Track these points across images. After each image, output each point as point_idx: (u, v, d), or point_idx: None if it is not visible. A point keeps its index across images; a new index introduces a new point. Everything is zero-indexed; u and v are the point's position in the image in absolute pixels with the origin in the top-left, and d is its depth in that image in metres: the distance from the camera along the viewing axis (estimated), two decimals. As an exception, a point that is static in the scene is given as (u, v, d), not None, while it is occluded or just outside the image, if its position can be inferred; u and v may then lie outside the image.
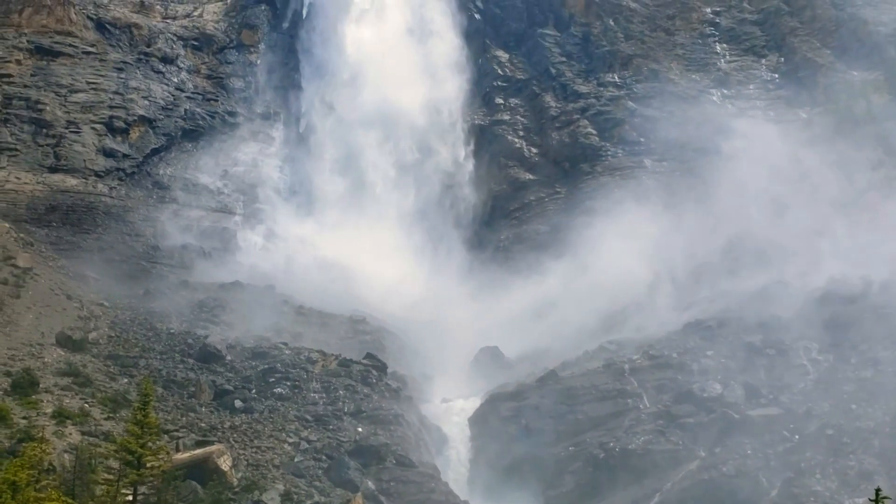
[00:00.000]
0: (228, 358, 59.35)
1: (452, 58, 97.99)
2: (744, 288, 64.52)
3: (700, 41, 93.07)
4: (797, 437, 48.76)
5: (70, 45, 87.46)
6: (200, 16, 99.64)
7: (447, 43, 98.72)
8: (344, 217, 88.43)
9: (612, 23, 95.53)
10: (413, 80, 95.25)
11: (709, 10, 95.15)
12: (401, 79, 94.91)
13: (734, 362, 56.22)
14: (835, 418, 48.86)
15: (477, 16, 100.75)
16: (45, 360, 53.83)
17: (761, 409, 51.61)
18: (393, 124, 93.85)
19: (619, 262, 72.67)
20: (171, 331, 63.16)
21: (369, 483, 48.55)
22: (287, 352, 60.57)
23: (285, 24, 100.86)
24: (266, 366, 58.24)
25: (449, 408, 63.06)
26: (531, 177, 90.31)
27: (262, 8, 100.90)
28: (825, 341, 56.54)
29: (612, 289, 70.36)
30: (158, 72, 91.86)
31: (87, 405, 49.08)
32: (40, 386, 49.72)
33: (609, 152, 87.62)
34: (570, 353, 63.48)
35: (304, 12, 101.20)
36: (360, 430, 52.89)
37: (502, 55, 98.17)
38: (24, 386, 48.97)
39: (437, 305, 75.38)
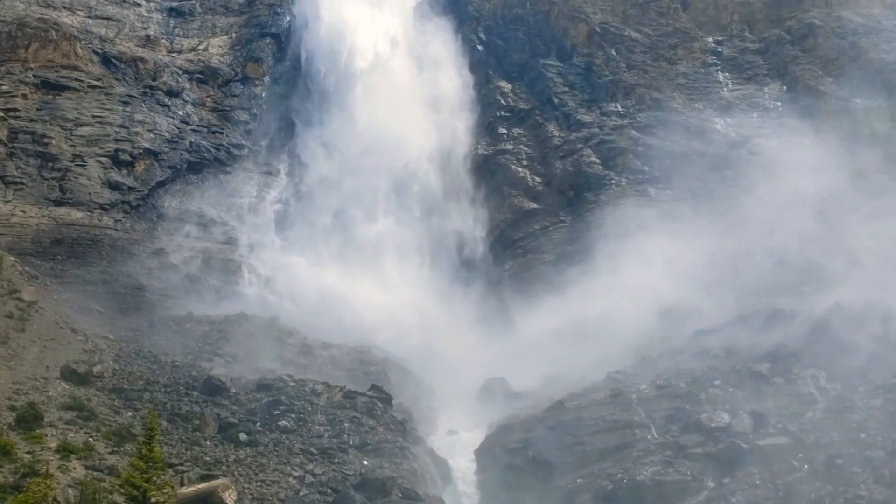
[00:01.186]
0: (233, 391, 59.03)
1: (455, 90, 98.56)
2: (751, 316, 64.25)
3: (702, 70, 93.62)
4: (806, 466, 48.18)
5: (76, 80, 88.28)
6: (206, 49, 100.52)
7: (450, 76, 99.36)
8: (348, 248, 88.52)
9: (613, 53, 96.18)
10: (415, 113, 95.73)
11: (710, 39, 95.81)
12: (402, 111, 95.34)
13: (742, 391, 55.71)
14: (844, 447, 48.32)
15: (479, 47, 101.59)
16: (50, 393, 53.61)
17: (770, 438, 51.00)
18: (396, 157, 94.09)
19: (625, 291, 72.50)
20: (176, 363, 62.97)
21: (375, 517, 48.05)
22: (291, 384, 60.24)
23: (288, 62, 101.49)
24: (270, 398, 57.92)
25: (455, 440, 62.53)
26: (535, 206, 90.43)
27: (267, 41, 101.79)
28: (833, 369, 56.06)
29: (617, 318, 70.09)
30: (164, 105, 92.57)
31: (91, 439, 48.73)
32: (44, 420, 49.41)
33: (613, 181, 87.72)
34: (577, 383, 63.01)
35: (304, 56, 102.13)
36: (365, 462, 52.40)
37: (505, 86, 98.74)
38: (29, 420, 48.69)
39: (442, 336, 75.13)
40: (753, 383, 55.92)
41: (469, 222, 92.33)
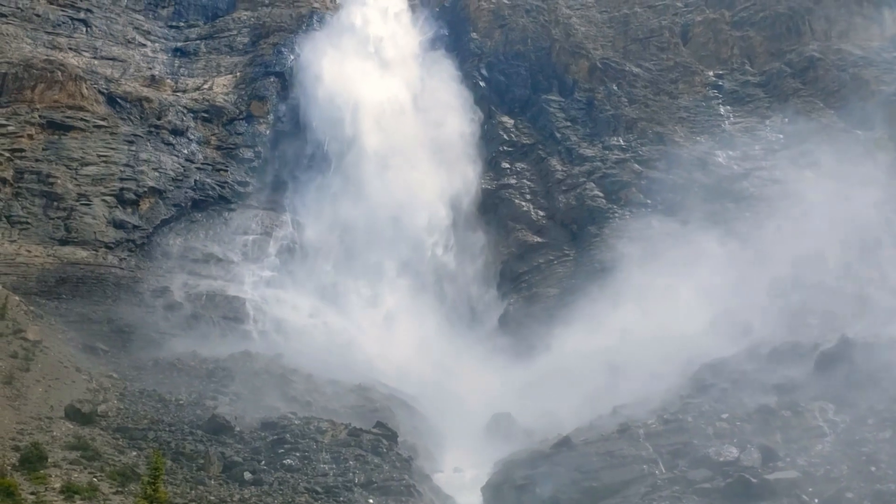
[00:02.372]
0: (237, 429, 58.69)
1: (459, 127, 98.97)
2: (757, 348, 63.86)
3: (703, 104, 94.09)
4: (816, 500, 47.55)
5: (81, 119, 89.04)
6: (210, 88, 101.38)
7: (457, 124, 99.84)
8: (351, 285, 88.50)
9: (615, 87, 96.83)
10: (418, 151, 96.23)
11: (711, 73, 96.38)
12: (404, 148, 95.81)
13: (750, 425, 55.20)
14: (854, 481, 47.74)
15: (482, 83, 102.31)
16: (54, 433, 53.35)
17: (779, 472, 50.39)
18: (399, 194, 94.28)
19: (630, 324, 72.22)
20: (180, 402, 62.71)
21: (382, 556, 47.54)
22: (296, 422, 59.91)
23: (292, 99, 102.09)
24: (275, 436, 57.57)
25: (461, 477, 61.91)
26: (539, 240, 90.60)
27: (272, 80, 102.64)
28: (841, 402, 55.58)
29: (623, 351, 69.77)
30: (168, 144, 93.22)
31: (95, 479, 48.37)
32: (49, 460, 49.12)
33: (616, 214, 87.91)
34: (584, 417, 62.56)
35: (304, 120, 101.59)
36: (370, 501, 51.86)
37: (507, 121, 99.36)
38: (33, 460, 48.43)
39: (446, 372, 74.90)
40: (761, 416, 55.43)
41: (473, 256, 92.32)
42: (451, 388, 72.71)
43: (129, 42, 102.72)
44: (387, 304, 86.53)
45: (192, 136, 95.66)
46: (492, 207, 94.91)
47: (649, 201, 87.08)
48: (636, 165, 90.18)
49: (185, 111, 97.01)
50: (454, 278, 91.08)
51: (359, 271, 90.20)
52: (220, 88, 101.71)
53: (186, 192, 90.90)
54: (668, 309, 72.32)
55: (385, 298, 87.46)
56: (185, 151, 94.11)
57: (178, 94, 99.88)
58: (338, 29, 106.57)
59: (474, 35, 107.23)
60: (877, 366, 56.84)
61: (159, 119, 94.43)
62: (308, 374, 70.85)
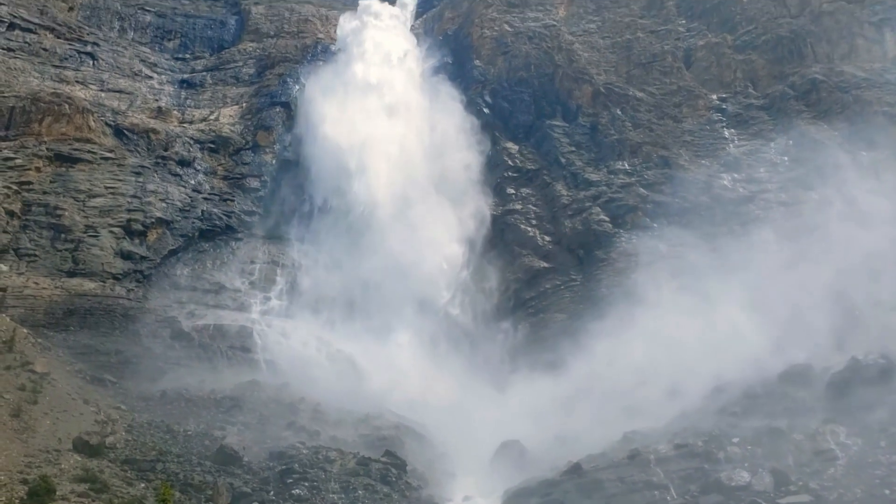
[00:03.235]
0: (245, 459, 58.48)
1: (466, 161, 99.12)
2: (767, 372, 63.50)
3: (708, 127, 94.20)
4: (830, 525, 47.22)
5: (89, 152, 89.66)
6: (216, 119, 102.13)
7: (462, 151, 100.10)
8: (358, 313, 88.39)
9: (619, 112, 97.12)
10: (426, 185, 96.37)
11: (714, 96, 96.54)
12: (411, 184, 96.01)
13: (761, 449, 54.83)
14: (868, 505, 47.40)
15: (486, 110, 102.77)
16: (62, 466, 53.21)
17: (791, 496, 49.97)
18: (409, 230, 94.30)
19: (639, 348, 71.92)
20: (188, 433, 62.56)
21: (392, 587, 47.15)
22: (304, 451, 59.69)
23: (297, 133, 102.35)
24: (284, 466, 57.35)
25: (472, 505, 61.62)
26: (546, 265, 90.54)
27: (277, 110, 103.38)
28: (852, 425, 55.18)
29: (633, 376, 69.44)
30: (176, 174, 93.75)
31: (103, 512, 48.30)
32: (57, 493, 48.92)
33: (623, 238, 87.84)
34: (595, 443, 62.15)
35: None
36: (380, 530, 51.70)
37: (512, 146, 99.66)
38: (41, 494, 48.18)
39: (455, 399, 74.55)
40: (772, 440, 55.07)
41: (480, 282, 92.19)
42: (459, 415, 72.36)
43: (136, 74, 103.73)
44: (395, 332, 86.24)
45: (198, 167, 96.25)
46: (498, 233, 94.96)
47: (655, 225, 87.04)
48: (641, 189, 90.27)
49: (192, 142, 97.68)
50: (464, 309, 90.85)
51: (367, 301, 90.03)
52: (227, 119, 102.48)
53: (193, 223, 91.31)
54: (676, 333, 72.05)
55: (393, 326, 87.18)
56: (192, 182, 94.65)
57: (185, 125, 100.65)
58: (342, 74, 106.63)
59: (478, 62, 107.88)
60: (887, 388, 56.51)
61: (166, 150, 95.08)
62: (316, 403, 70.67)
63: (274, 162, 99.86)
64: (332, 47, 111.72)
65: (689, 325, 72.00)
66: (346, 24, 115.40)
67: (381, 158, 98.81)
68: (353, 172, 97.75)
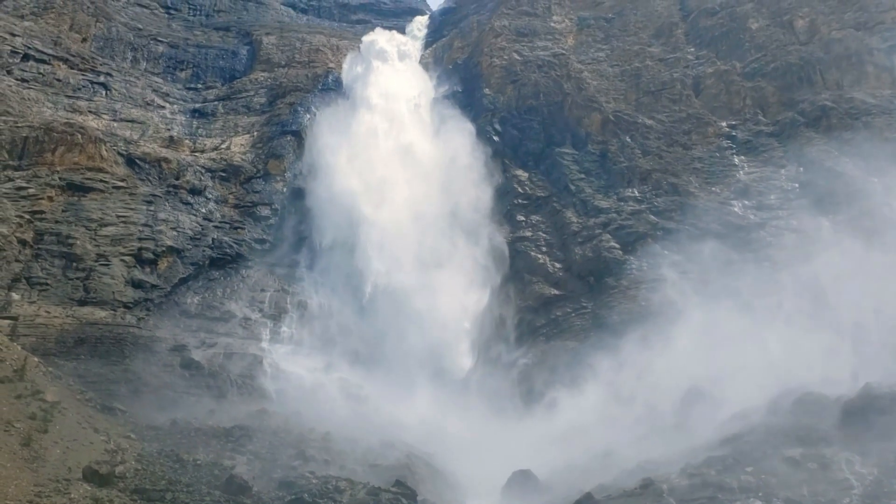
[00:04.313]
0: (255, 489, 58.02)
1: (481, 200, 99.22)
2: (780, 400, 62.96)
3: (717, 154, 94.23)
4: (847, 556, 46.58)
5: (101, 181, 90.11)
6: (228, 148, 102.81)
7: (471, 175, 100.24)
8: (369, 341, 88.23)
9: (628, 139, 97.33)
10: (439, 220, 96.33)
11: (724, 123, 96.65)
12: (427, 219, 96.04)
13: (775, 478, 54.21)
14: (885, 535, 46.75)
15: (496, 138, 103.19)
16: (72, 495, 52.90)
17: (807, 527, 49.45)
18: (418, 263, 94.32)
19: (651, 376, 71.51)
20: (198, 462, 62.19)
21: None
22: (314, 481, 59.27)
23: (306, 166, 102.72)
24: (293, 496, 56.92)
25: (482, 537, 61.12)
26: (556, 292, 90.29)
27: (288, 138, 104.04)
28: (868, 453, 54.56)
29: (645, 404, 68.99)
30: (187, 203, 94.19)
31: (112, 543, 48.02)
32: (65, 524, 48.85)
33: (633, 265, 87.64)
34: (607, 472, 61.61)
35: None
36: (391, 561, 51.18)
37: (522, 174, 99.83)
38: (50, 524, 48.13)
39: (466, 428, 74.15)
40: (786, 469, 54.48)
41: (491, 309, 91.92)
42: (470, 445, 71.93)
43: (148, 104, 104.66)
44: (409, 374, 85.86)
45: (210, 195, 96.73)
46: (507, 260, 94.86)
47: (666, 252, 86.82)
48: (652, 216, 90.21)
49: (203, 171, 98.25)
50: (475, 342, 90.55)
51: (376, 333, 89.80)
52: (238, 148, 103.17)
53: (204, 251, 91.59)
54: (688, 360, 71.65)
55: (408, 368, 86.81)
56: (203, 210, 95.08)
57: (197, 154, 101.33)
58: (349, 120, 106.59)
59: (487, 91, 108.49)
60: (902, 415, 55.94)
61: (178, 179, 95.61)
62: (325, 433, 70.34)
63: (285, 190, 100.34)
64: (342, 79, 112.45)
65: (701, 352, 71.63)
66: (351, 68, 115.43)
67: (390, 204, 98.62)
68: (360, 221, 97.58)
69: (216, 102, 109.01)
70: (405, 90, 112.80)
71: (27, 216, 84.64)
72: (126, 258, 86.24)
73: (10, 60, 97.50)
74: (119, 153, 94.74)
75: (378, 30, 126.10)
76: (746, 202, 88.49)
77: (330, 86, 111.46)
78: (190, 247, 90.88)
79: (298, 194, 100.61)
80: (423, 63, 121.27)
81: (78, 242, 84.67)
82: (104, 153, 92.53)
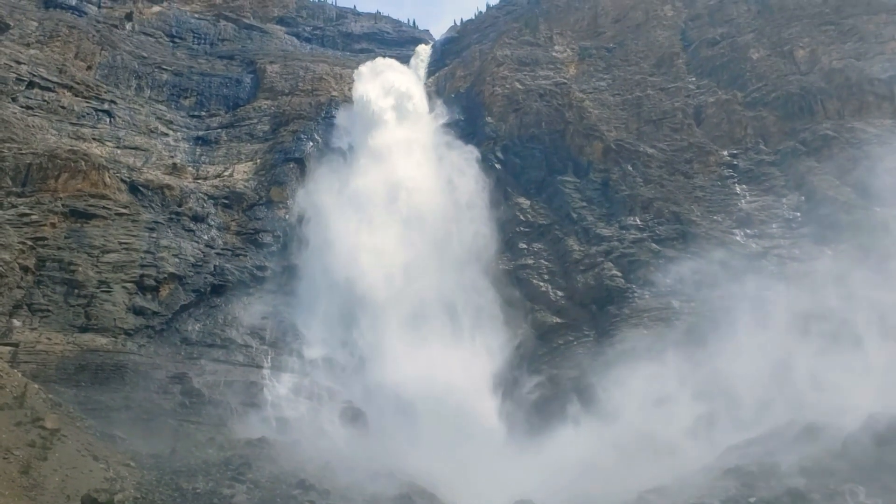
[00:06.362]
0: (255, 518, 57.84)
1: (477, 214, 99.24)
2: (782, 430, 62.65)
3: (719, 183, 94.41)
4: (852, 589, 46.13)
5: (104, 208, 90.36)
6: (231, 175, 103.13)
7: (473, 203, 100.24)
8: (368, 367, 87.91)
9: (630, 168, 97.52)
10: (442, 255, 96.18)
11: (726, 153, 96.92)
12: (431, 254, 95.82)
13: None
14: (890, 568, 46.32)
15: (498, 166, 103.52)
16: (70, 524, 52.73)
17: (811, 559, 49.06)
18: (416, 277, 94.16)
19: (654, 406, 71.16)
20: (197, 491, 61.85)
21: None
22: (314, 510, 59.02)
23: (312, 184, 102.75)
24: (293, 526, 56.67)
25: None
26: (559, 320, 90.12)
27: (291, 166, 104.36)
28: (871, 483, 54.19)
29: (647, 435, 68.56)
30: (189, 230, 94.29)
31: (110, 572, 47.61)
32: (63, 553, 48.49)
33: (636, 294, 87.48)
34: (607, 502, 61.20)
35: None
36: (391, 592, 50.69)
37: (524, 202, 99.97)
38: (47, 553, 47.79)
39: (467, 457, 73.65)
40: (791, 500, 54.09)
41: (493, 338, 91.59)
42: (471, 474, 71.45)
43: (152, 132, 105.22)
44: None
45: (212, 222, 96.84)
46: (509, 288, 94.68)
47: (668, 280, 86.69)
48: (654, 245, 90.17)
49: (206, 198, 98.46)
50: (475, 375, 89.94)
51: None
52: (241, 175, 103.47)
53: (206, 278, 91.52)
54: (691, 390, 71.37)
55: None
56: (206, 237, 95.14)
57: (199, 181, 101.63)
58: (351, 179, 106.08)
59: (489, 119, 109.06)
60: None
61: (180, 206, 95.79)
62: (326, 462, 69.93)
63: (287, 217, 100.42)
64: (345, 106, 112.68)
65: (703, 382, 71.31)
66: (352, 121, 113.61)
67: (393, 262, 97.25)
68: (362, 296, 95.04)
69: (219, 130, 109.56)
70: (411, 140, 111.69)
71: (30, 242, 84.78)
72: (128, 285, 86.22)
73: (16, 88, 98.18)
74: (122, 180, 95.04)
75: (379, 59, 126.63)
76: (748, 231, 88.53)
77: (333, 114, 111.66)
78: (192, 274, 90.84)
79: (304, 216, 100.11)
80: (427, 91, 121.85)
81: (80, 269, 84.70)
82: (107, 180, 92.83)
